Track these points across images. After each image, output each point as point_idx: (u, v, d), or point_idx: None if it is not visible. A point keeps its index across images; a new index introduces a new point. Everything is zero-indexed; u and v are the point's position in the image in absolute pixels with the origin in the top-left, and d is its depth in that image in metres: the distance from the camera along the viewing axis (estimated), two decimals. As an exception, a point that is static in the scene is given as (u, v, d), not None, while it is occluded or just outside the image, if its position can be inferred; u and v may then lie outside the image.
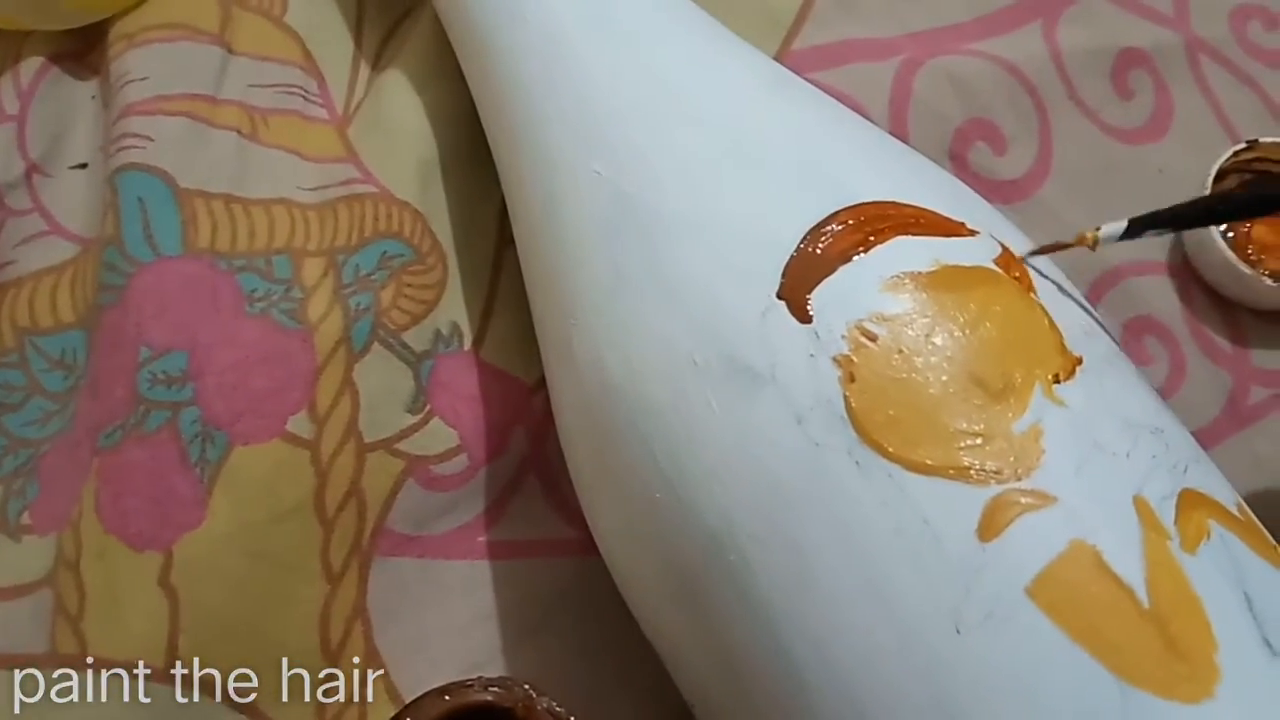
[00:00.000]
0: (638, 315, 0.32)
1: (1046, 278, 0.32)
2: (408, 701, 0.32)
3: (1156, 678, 0.26)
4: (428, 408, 0.40)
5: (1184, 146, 0.45)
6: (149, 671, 0.37)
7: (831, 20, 0.47)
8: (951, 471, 0.28)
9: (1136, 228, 0.28)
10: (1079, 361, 0.30)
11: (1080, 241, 0.30)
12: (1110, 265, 0.43)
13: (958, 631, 0.27)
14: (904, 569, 0.27)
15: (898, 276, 0.30)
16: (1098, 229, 0.30)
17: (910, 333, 0.29)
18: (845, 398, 0.29)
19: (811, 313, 0.30)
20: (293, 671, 0.38)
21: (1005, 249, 0.32)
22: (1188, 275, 0.43)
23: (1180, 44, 0.46)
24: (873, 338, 0.29)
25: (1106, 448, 0.28)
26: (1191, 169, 0.43)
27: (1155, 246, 0.44)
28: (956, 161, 0.44)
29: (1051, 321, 0.30)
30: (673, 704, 0.38)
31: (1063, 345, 0.30)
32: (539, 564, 0.41)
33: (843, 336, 0.29)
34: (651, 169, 0.33)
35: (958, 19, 0.46)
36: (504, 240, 0.43)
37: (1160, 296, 0.43)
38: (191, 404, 0.38)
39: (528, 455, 0.42)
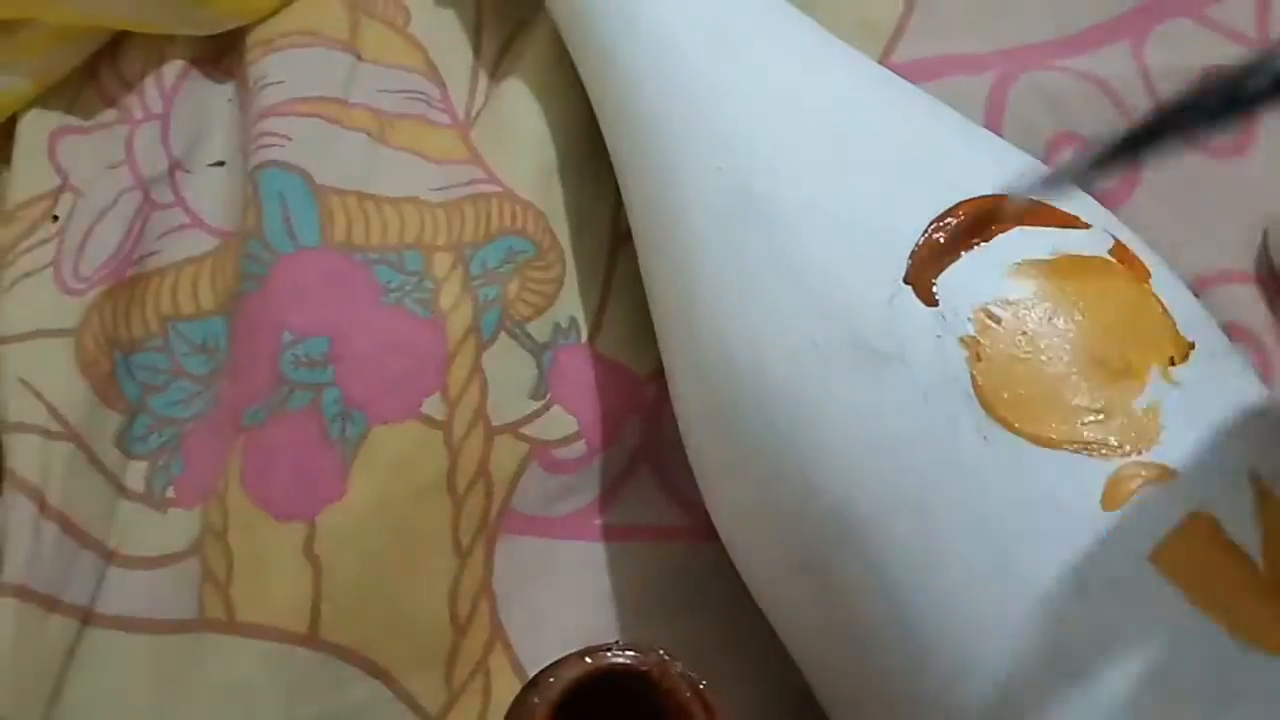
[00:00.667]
0: (762, 304, 0.33)
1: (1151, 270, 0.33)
2: (534, 672, 0.33)
3: (1275, 639, 0.27)
4: (549, 395, 0.42)
5: (1268, 162, 0.47)
6: (293, 635, 0.38)
7: (926, 37, 0.48)
8: (1075, 446, 0.29)
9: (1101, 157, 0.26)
10: (1192, 346, 0.31)
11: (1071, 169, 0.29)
12: (1197, 273, 0.44)
13: (1083, 597, 0.28)
14: (1030, 538, 0.29)
15: (1021, 263, 0.31)
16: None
17: (1034, 315, 0.31)
18: (972, 376, 0.30)
19: (937, 297, 0.31)
20: (424, 642, 0.40)
21: (1118, 242, 0.33)
22: (1276, 286, 0.44)
23: (1264, 64, 0.48)
24: (998, 320, 0.31)
25: (1221, 427, 0.30)
26: (1276, 184, 0.45)
27: (1242, 256, 0.45)
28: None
29: (1165, 309, 0.32)
30: (782, 687, 0.40)
31: (1176, 331, 0.31)
32: (651, 548, 0.43)
33: (969, 319, 0.31)
34: (772, 164, 0.35)
35: (1048, 36, 0.48)
36: (617, 240, 0.45)
37: (1248, 306, 0.44)
38: (333, 385, 0.40)
39: (640, 443, 0.43)
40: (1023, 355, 0.30)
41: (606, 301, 0.44)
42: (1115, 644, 0.28)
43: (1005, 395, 0.30)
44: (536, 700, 0.29)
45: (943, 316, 0.31)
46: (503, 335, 0.42)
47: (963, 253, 0.32)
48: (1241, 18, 0.47)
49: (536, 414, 0.42)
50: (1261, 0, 0.47)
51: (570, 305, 0.44)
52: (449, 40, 0.49)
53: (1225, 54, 0.47)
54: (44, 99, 0.48)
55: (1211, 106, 0.25)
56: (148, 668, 0.39)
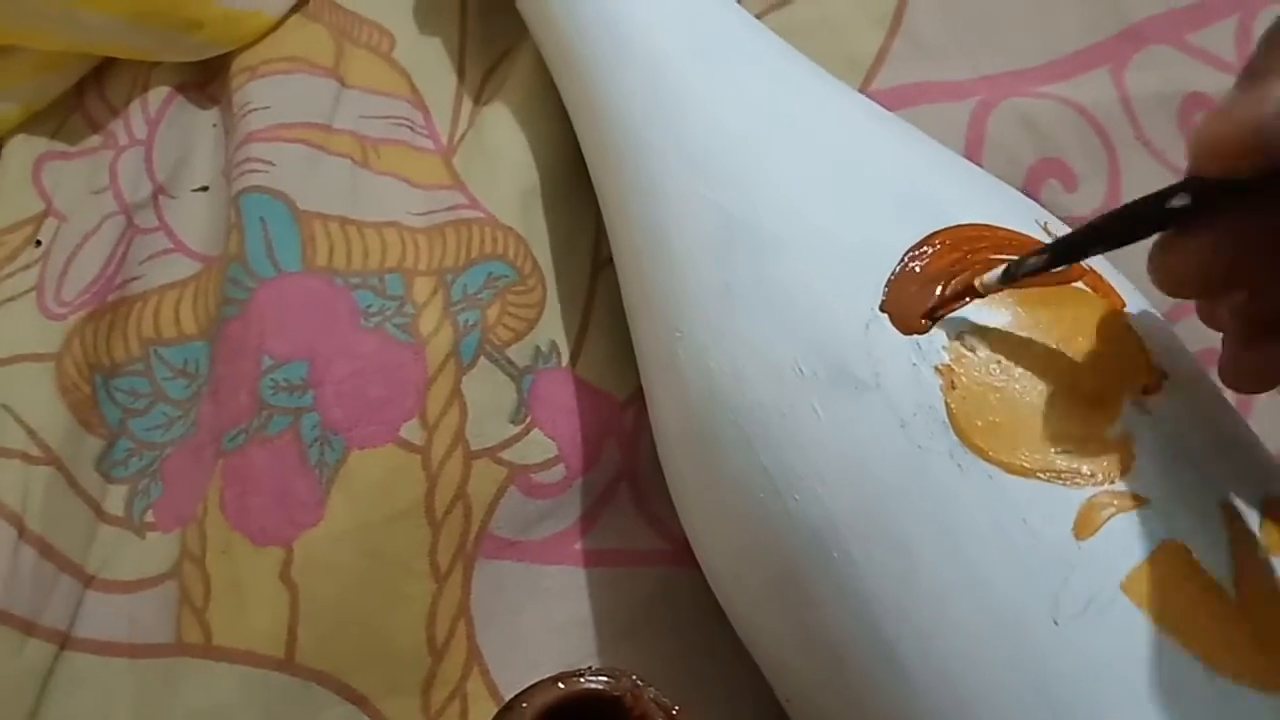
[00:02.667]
0: (744, 327, 0.33)
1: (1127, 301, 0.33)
2: (509, 696, 0.33)
3: (1246, 669, 0.27)
4: (529, 419, 0.42)
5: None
6: (269, 660, 0.38)
7: (907, 63, 0.48)
8: (1048, 474, 0.29)
9: (1014, 269, 0.29)
10: (1165, 376, 0.31)
11: (979, 285, 0.30)
12: (1171, 302, 0.44)
13: (1056, 624, 0.28)
14: (1004, 565, 0.28)
15: (996, 294, 0.31)
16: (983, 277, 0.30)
17: (1008, 344, 0.30)
18: (947, 404, 0.30)
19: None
20: (401, 667, 0.39)
21: (1093, 271, 0.33)
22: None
23: (1243, 90, 0.47)
24: (972, 349, 0.30)
25: (1193, 456, 0.29)
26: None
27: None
28: (1029, 199, 0.45)
29: (1140, 339, 0.31)
30: (758, 707, 0.39)
31: (1150, 361, 0.31)
32: (630, 572, 0.42)
33: (943, 347, 0.30)
34: (757, 191, 0.34)
35: (1029, 63, 0.48)
36: (598, 265, 0.45)
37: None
38: (312, 410, 0.39)
39: (620, 468, 0.43)
40: (997, 384, 0.30)
41: (587, 326, 0.44)
42: (1087, 671, 0.27)
43: (979, 423, 0.29)
44: None
45: (918, 345, 0.31)
46: (482, 360, 0.41)
47: (939, 281, 0.31)
48: (1222, 44, 0.47)
49: (516, 438, 0.41)
50: (1242, 27, 0.47)
51: (550, 330, 0.43)
52: (433, 67, 0.49)
53: (1205, 80, 0.47)
54: (30, 124, 0.48)
55: (1137, 223, 0.27)
56: (125, 691, 0.38)
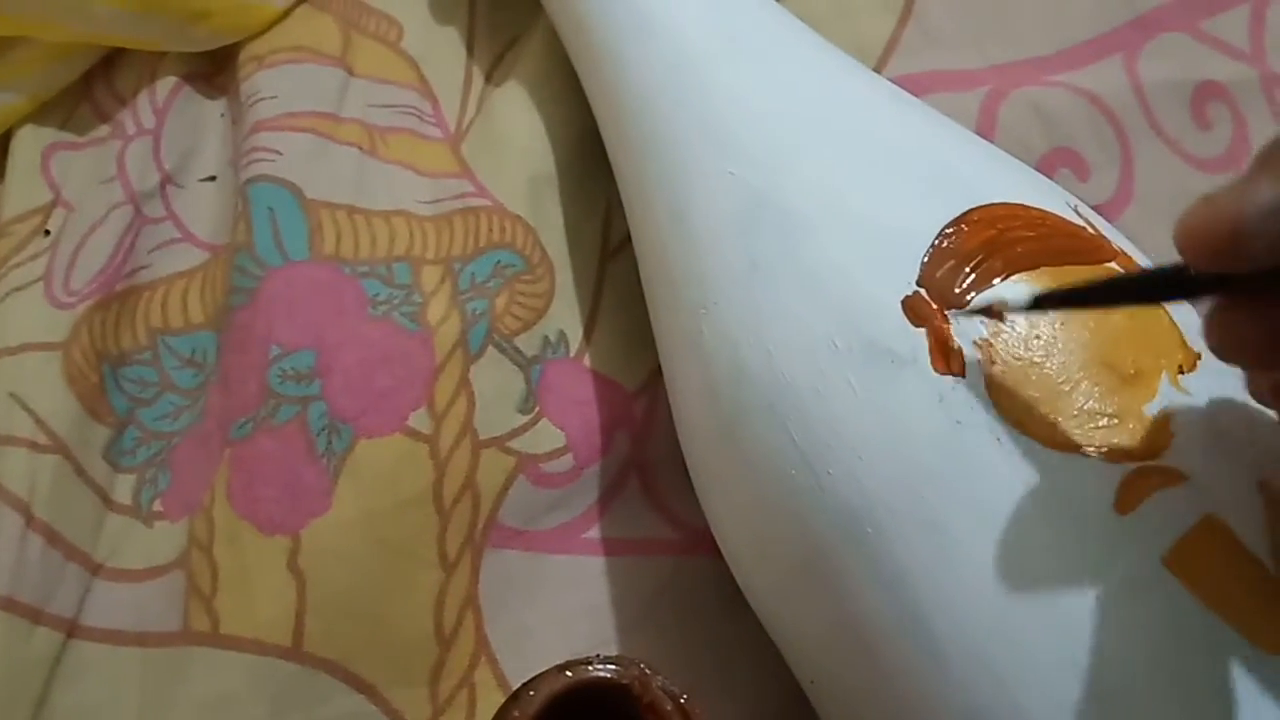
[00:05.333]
0: (774, 303, 0.32)
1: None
2: (517, 686, 0.32)
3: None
4: (537, 409, 0.40)
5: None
6: (276, 649, 0.36)
7: (918, 52, 0.47)
8: (1089, 449, 0.28)
9: (1041, 303, 0.27)
10: (1199, 356, 0.30)
11: (995, 309, 0.29)
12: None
13: (1097, 599, 0.26)
14: (1044, 540, 0.27)
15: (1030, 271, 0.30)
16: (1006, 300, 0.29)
17: (1046, 320, 0.29)
18: (986, 378, 0.29)
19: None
20: (409, 656, 0.38)
21: (1122, 252, 0.32)
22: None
23: (1256, 79, 0.46)
24: (1011, 324, 0.29)
25: (1230, 433, 0.28)
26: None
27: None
28: (1053, 183, 0.44)
29: (1172, 319, 0.30)
30: (765, 698, 0.38)
31: (1184, 340, 0.30)
32: (639, 561, 0.41)
33: (982, 322, 0.29)
34: (784, 170, 0.33)
35: (1041, 52, 0.46)
36: (607, 254, 0.44)
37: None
38: (319, 399, 0.38)
39: (629, 457, 0.41)
40: (1036, 359, 0.29)
41: (596, 316, 0.43)
42: (1128, 645, 0.26)
43: (1019, 398, 0.28)
44: (517, 714, 0.28)
45: (956, 320, 0.29)
46: (491, 349, 0.40)
47: (976, 257, 0.30)
48: (1236, 32, 0.46)
49: (524, 427, 0.40)
50: (1256, 14, 0.46)
51: (559, 319, 0.42)
52: (441, 56, 0.47)
53: (1219, 68, 0.46)
54: (38, 115, 0.46)
55: (1154, 287, 0.26)
56: (132, 679, 0.37)
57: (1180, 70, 0.46)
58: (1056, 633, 0.27)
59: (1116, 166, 0.45)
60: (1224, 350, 0.25)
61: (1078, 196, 0.42)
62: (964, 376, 0.29)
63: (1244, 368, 0.28)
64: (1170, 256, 0.29)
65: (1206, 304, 0.26)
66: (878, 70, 0.46)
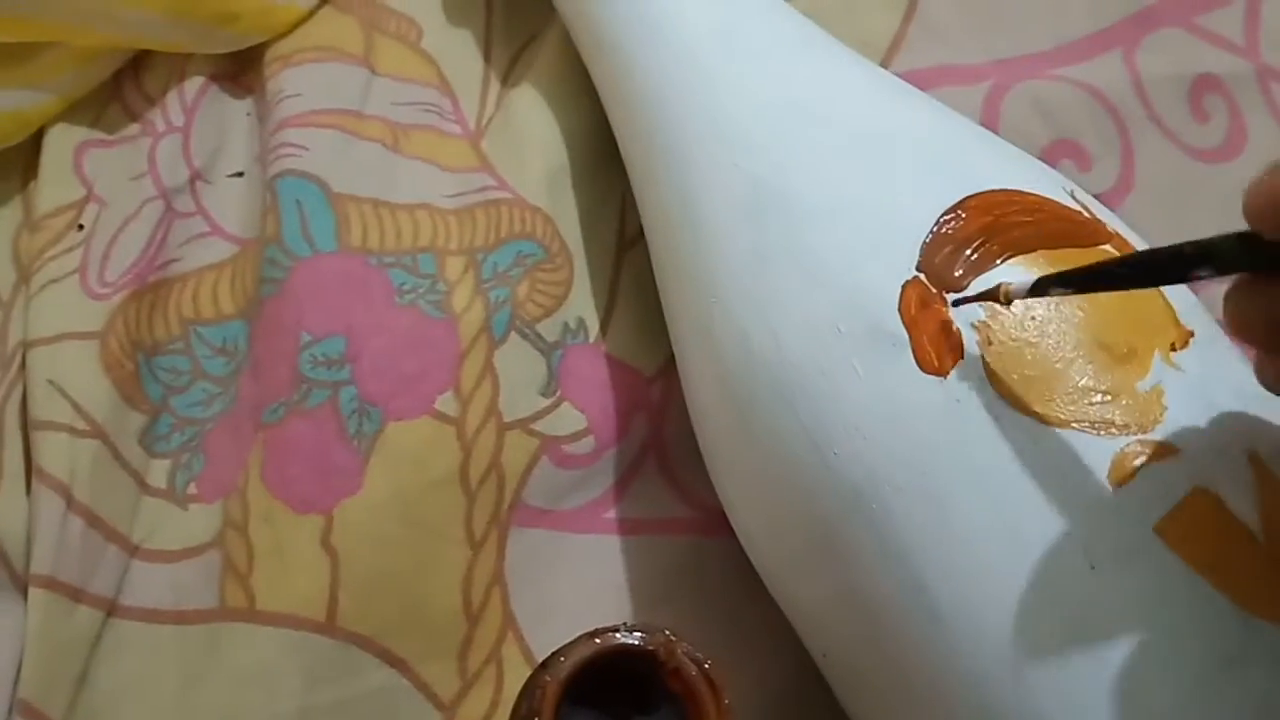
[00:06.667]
0: (780, 290, 0.33)
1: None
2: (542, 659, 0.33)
3: (1276, 608, 0.27)
4: (558, 393, 0.42)
5: (1257, 167, 0.46)
6: (311, 623, 0.38)
7: (922, 48, 0.48)
8: (1083, 424, 0.29)
9: (1043, 285, 0.28)
10: (1192, 334, 0.31)
11: (1002, 294, 0.30)
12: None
13: (1092, 567, 0.28)
14: (1040, 512, 0.28)
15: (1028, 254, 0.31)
16: (1010, 284, 0.30)
17: (1042, 302, 0.30)
18: (983, 359, 0.30)
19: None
20: (438, 631, 0.39)
21: (1117, 234, 0.33)
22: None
23: (1252, 72, 0.47)
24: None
25: (1221, 408, 0.30)
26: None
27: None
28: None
29: (1165, 298, 0.31)
30: (787, 671, 0.39)
31: (1177, 319, 0.31)
32: (659, 540, 0.42)
33: (980, 305, 0.30)
34: (790, 160, 0.34)
35: (1042, 47, 0.47)
36: (623, 243, 0.45)
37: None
38: (349, 383, 0.39)
39: (647, 439, 0.43)
40: (1031, 339, 0.30)
41: (614, 303, 0.44)
42: (1123, 612, 0.28)
43: (1015, 377, 0.29)
44: (548, 678, 0.29)
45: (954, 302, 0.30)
46: (513, 335, 0.41)
47: (973, 242, 0.31)
48: (1231, 27, 0.47)
49: (547, 410, 0.41)
50: (1250, 9, 0.47)
51: (578, 306, 0.43)
52: (460, 55, 0.48)
53: (1216, 62, 0.47)
54: (70, 114, 0.47)
55: (1154, 269, 0.27)
56: (170, 655, 0.38)
57: (1178, 64, 0.46)
58: (1053, 599, 0.28)
59: (1117, 157, 0.46)
60: (1240, 327, 0.26)
61: (1080, 186, 0.44)
62: (962, 358, 0.30)
63: (1256, 346, 0.29)
64: (1171, 241, 0.30)
65: (1202, 285, 0.27)
66: (883, 66, 0.47)
